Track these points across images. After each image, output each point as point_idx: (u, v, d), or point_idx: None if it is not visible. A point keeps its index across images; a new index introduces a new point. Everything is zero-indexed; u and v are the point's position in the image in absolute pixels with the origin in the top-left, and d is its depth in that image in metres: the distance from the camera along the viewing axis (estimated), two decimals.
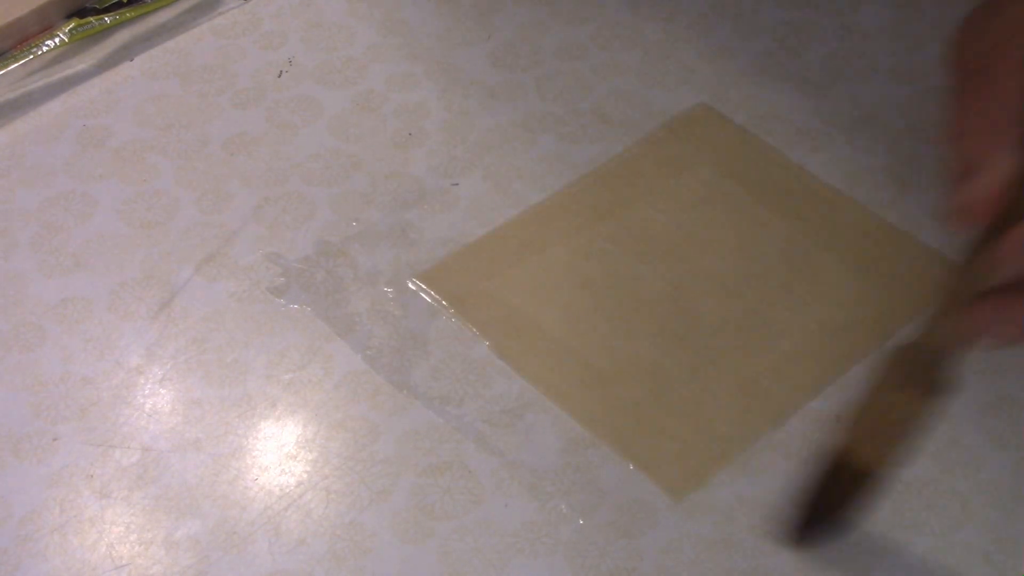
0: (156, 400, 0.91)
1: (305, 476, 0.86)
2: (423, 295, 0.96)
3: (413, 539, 0.83)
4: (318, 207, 1.02)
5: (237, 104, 1.10)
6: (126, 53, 1.15)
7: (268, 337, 0.94)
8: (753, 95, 1.08)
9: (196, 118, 1.09)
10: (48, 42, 1.13)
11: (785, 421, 0.87)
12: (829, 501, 0.79)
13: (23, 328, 0.95)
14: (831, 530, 0.80)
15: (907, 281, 0.94)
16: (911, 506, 0.83)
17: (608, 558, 0.82)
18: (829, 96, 1.07)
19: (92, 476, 0.87)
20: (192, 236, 1.01)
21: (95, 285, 0.98)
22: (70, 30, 1.14)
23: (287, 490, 0.86)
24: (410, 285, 0.96)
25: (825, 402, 0.88)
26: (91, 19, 1.15)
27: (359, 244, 0.99)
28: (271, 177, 1.04)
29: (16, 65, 1.12)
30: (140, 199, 1.03)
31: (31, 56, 1.13)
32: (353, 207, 1.02)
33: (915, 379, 0.74)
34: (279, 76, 1.12)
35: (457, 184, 1.03)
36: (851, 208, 0.99)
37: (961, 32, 0.86)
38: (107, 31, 1.16)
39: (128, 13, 1.16)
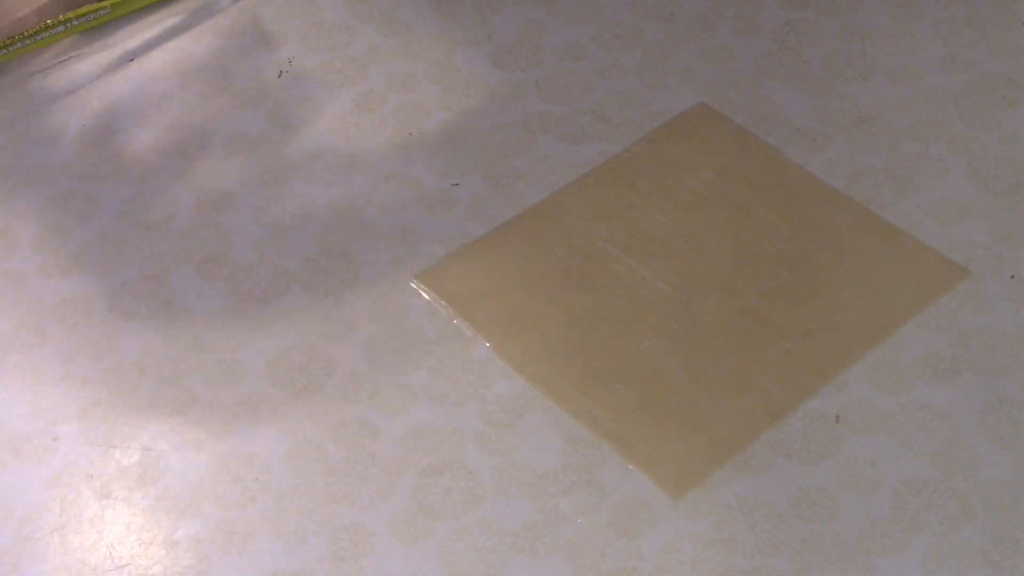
0: (156, 400, 0.91)
1: (305, 476, 0.86)
2: (423, 295, 0.96)
3: (413, 539, 0.83)
4: (318, 207, 1.02)
5: (237, 104, 1.10)
6: (126, 53, 1.15)
7: (268, 337, 0.94)
8: (753, 95, 1.08)
9: (196, 118, 1.09)
10: (46, 32, 1.13)
11: (785, 421, 0.87)
12: None
13: (23, 328, 0.95)
14: None
15: (907, 281, 0.94)
16: (911, 506, 0.83)
17: (608, 558, 0.82)
18: (829, 96, 1.07)
19: (92, 476, 0.87)
20: (192, 236, 1.01)
21: (95, 285, 0.98)
22: (70, 22, 1.13)
23: (287, 489, 0.86)
24: (410, 285, 0.96)
25: (825, 402, 0.88)
26: (90, 10, 1.14)
27: (359, 244, 0.99)
28: (271, 177, 1.04)
29: (16, 63, 1.12)
30: (140, 199, 1.03)
31: (31, 41, 1.12)
32: (353, 207, 1.02)
33: None
34: (279, 76, 1.12)
35: (457, 184, 1.03)
36: (851, 208, 0.99)
37: None
38: (108, 31, 1.16)
39: (127, 6, 1.16)
